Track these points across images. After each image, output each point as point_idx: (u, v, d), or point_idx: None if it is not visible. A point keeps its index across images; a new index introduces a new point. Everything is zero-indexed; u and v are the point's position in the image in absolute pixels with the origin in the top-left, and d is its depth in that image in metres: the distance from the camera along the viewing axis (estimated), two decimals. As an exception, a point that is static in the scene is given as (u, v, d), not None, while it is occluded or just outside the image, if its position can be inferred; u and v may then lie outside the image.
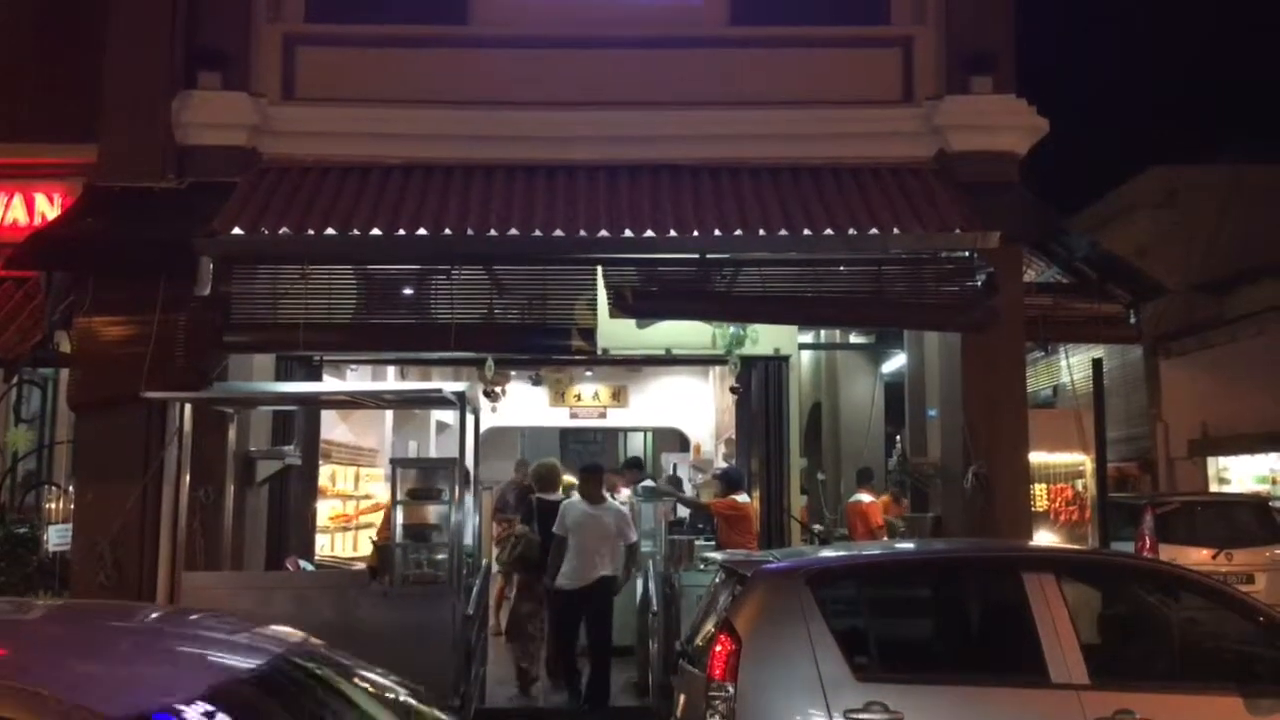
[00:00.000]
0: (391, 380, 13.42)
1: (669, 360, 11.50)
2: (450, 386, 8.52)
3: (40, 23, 9.23)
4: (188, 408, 8.07)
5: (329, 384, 10.61)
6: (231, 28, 9.15)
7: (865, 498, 11.61)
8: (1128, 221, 19.14)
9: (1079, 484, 10.91)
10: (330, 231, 8.34)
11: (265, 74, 9.25)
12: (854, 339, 13.72)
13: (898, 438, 12.36)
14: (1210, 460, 17.32)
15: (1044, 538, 10.39)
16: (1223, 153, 19.24)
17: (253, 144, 9.10)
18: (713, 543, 10.27)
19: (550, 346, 9.17)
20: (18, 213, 8.91)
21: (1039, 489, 10.76)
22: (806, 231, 8.40)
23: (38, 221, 8.84)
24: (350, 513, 13.12)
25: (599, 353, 9.24)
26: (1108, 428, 9.56)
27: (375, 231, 8.35)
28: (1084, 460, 10.37)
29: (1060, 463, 10.93)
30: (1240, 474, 16.91)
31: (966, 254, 8.60)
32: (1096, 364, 9.20)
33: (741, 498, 10.22)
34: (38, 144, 8.90)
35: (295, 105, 9.26)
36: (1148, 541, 11.96)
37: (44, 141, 8.89)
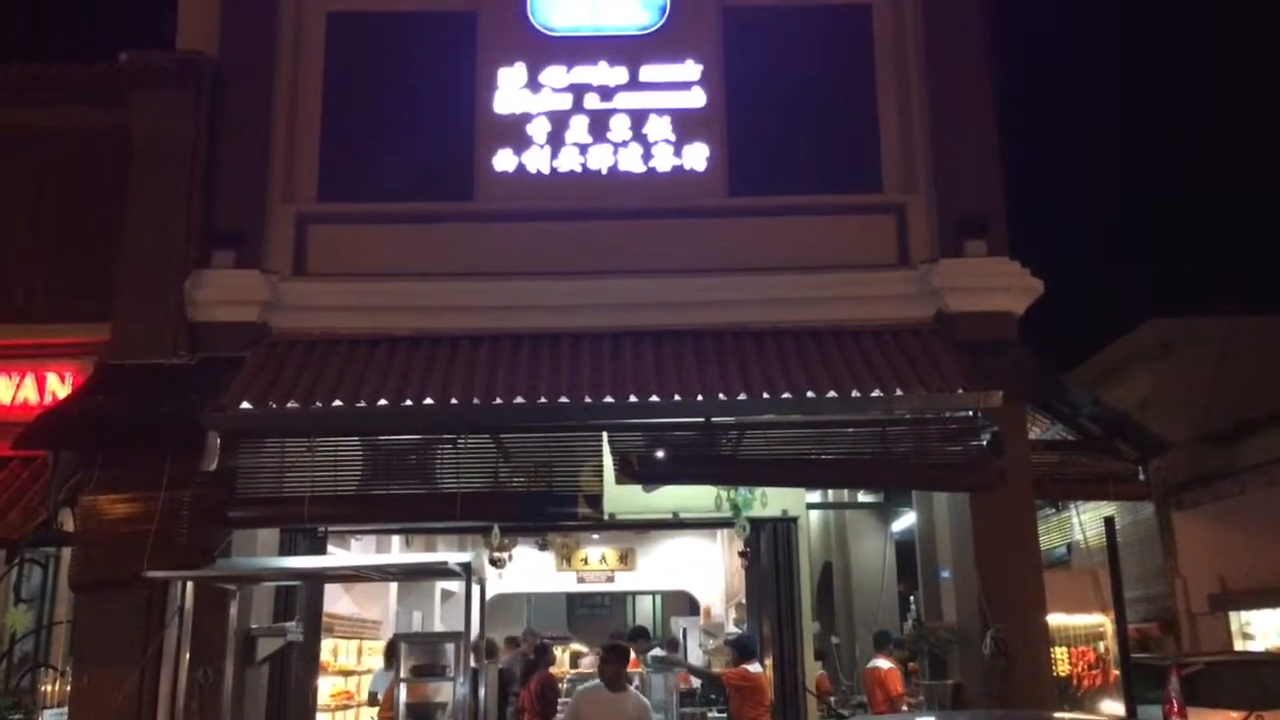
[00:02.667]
0: (396, 549, 13.28)
1: (676, 524, 11.38)
2: (455, 557, 8.41)
3: (57, 208, 9.54)
4: (189, 586, 7.95)
5: (333, 558, 10.47)
6: (246, 208, 9.46)
7: (883, 664, 11.27)
8: (1128, 374, 19.26)
9: (1100, 646, 10.63)
10: (337, 403, 8.41)
11: (278, 251, 9.51)
12: (862, 498, 13.60)
13: (912, 599, 12.10)
14: (1232, 615, 16.90)
15: (1110, 707, 10.01)
16: (1217, 304, 19.51)
17: (263, 319, 9.28)
18: (725, 714, 9.94)
19: (557, 514, 9.12)
20: (28, 392, 9.00)
21: (1059, 652, 10.49)
22: (810, 394, 8.46)
23: (48, 400, 8.92)
24: (351, 689, 12.75)
25: (605, 518, 9.16)
26: (1125, 587, 9.38)
27: (382, 402, 8.42)
28: (1103, 621, 10.14)
29: (1079, 624, 10.69)
30: (1264, 628, 16.46)
31: (970, 413, 8.61)
32: (1109, 522, 9.09)
33: (754, 667, 9.94)
34: (51, 324, 9.08)
35: (306, 281, 9.49)
36: (1175, 705, 11.54)
37: (57, 322, 9.07)
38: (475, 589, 8.56)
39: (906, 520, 12.68)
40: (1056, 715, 7.44)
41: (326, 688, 11.63)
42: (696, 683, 11.54)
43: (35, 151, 9.60)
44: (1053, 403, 9.24)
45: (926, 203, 9.70)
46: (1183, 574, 17.35)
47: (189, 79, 9.41)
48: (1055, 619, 9.50)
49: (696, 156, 9.88)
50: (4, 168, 9.62)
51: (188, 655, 7.95)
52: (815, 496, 12.23)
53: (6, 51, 9.60)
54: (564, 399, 8.46)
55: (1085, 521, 10.20)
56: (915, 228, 9.70)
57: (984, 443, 8.47)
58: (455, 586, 13.67)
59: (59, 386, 9.01)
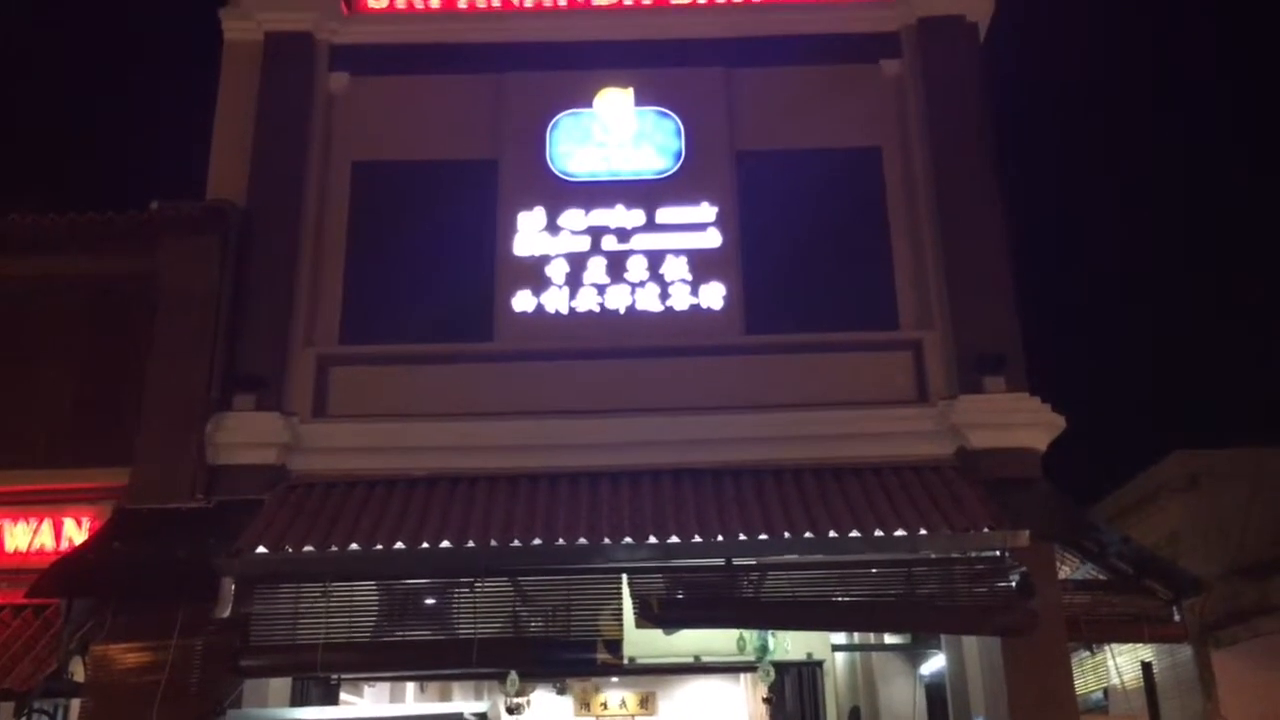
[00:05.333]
0: (411, 695, 12.93)
1: (698, 668, 11.09)
2: (471, 708, 8.20)
3: (80, 352, 9.65)
4: (198, 738, 7.73)
5: (345, 709, 10.20)
6: (269, 352, 9.56)
7: (915, 816, 10.78)
8: (1156, 507, 18.89)
9: (1146, 800, 10.12)
10: (354, 547, 8.33)
11: (298, 393, 9.58)
12: (889, 639, 13.21)
13: (945, 747, 11.62)
14: (1281, 759, 16.13)
15: None
16: (1242, 435, 19.28)
17: (282, 461, 9.28)
18: None
19: (576, 661, 8.90)
20: (45, 538, 8.94)
21: (1103, 807, 10.00)
22: (832, 534, 8.34)
23: (64, 546, 8.85)
24: None
25: (625, 662, 8.94)
26: (1168, 734, 9.00)
27: (399, 545, 8.34)
28: (1148, 773, 9.68)
29: (1122, 777, 10.21)
30: (1315, 773, 15.69)
31: (997, 553, 8.45)
32: (1146, 668, 8.78)
33: (782, 822, 9.52)
34: (71, 469, 9.08)
35: (326, 422, 9.53)
36: None
37: (78, 466, 9.08)
38: (491, 740, 8.31)
39: (936, 662, 12.29)
40: None
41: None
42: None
43: (60, 297, 9.79)
44: (1081, 541, 9.04)
45: (943, 340, 9.72)
46: (1224, 716, 16.67)
47: (216, 227, 9.66)
48: (1096, 769, 9.09)
49: (713, 295, 9.99)
50: (29, 315, 9.79)
51: (193, 813, 7.67)
52: (841, 638, 11.91)
53: (31, 202, 9.84)
54: (582, 540, 8.37)
55: (1121, 664, 9.84)
56: (933, 364, 9.70)
57: (1013, 583, 8.28)
58: (471, 734, 13.26)
59: (76, 532, 8.96)
